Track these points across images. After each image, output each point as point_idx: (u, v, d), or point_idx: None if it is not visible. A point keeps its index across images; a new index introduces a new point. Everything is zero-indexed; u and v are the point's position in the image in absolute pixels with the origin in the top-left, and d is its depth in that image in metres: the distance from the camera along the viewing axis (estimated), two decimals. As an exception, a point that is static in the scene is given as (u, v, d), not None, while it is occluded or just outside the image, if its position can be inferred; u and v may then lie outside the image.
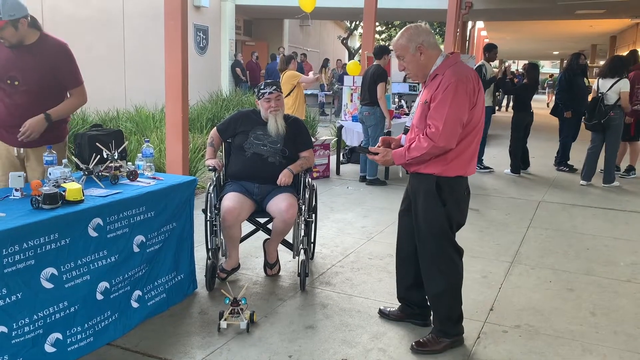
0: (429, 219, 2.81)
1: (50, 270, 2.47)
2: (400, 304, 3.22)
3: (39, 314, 2.45)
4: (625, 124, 7.34)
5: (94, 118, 8.53)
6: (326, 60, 18.08)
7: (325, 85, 16.41)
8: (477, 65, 8.01)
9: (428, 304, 3.04)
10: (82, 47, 10.80)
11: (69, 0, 10.65)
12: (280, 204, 3.52)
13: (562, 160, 8.45)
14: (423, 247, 2.87)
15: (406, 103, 9.19)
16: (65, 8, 10.54)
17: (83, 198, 2.67)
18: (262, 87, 3.77)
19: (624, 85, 6.98)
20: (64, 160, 3.02)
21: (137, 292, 3.01)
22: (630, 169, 7.95)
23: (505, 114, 18.22)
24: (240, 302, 3.07)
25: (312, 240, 4.03)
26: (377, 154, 2.90)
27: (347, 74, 8.32)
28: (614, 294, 3.70)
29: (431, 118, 2.68)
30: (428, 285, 2.92)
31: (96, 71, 11.10)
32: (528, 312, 3.39)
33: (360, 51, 14.29)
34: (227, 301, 3.07)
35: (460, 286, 2.91)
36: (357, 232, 4.91)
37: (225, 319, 3.03)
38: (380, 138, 3.06)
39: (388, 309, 3.26)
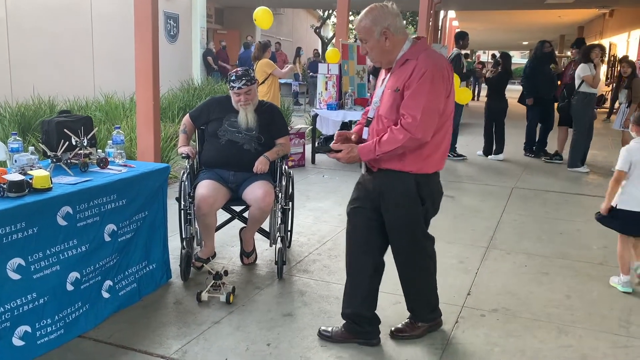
0: (407, 217, 2.65)
1: (17, 260, 2.38)
2: (345, 321, 2.82)
3: (6, 306, 2.36)
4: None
5: (62, 107, 8.28)
6: (299, 49, 17.93)
7: (300, 74, 16.29)
8: (454, 55, 7.81)
9: (379, 319, 2.82)
10: (49, 35, 10.47)
11: (33, -14, 10.25)
12: (256, 192, 3.45)
13: (527, 146, 8.54)
14: (397, 242, 2.72)
15: None
16: (30, -6, 10.12)
17: (51, 186, 2.57)
18: (232, 77, 3.58)
19: (583, 70, 7.10)
20: (31, 148, 2.90)
21: (108, 282, 2.93)
22: (556, 154, 8.10)
23: (477, 103, 18.39)
24: (222, 277, 3.20)
25: (289, 228, 3.98)
26: (339, 151, 2.58)
27: (318, 62, 8.23)
28: (588, 277, 3.76)
29: (407, 107, 2.45)
30: (404, 277, 2.83)
31: (64, 60, 10.76)
32: (505, 296, 3.42)
33: (333, 40, 14.22)
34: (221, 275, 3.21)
35: (435, 273, 2.88)
36: (333, 220, 4.88)
37: (207, 292, 3.15)
38: (336, 132, 2.72)
39: (330, 329, 2.84)
